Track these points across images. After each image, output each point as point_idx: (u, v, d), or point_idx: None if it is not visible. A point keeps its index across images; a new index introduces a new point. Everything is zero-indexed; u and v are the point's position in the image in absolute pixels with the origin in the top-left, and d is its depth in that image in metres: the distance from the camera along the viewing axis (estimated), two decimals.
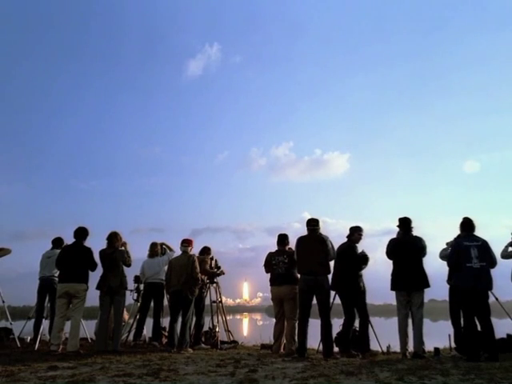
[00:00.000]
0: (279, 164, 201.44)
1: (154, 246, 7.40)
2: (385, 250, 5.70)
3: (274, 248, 6.32)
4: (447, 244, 5.83)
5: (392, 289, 5.58)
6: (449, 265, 5.50)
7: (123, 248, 6.34)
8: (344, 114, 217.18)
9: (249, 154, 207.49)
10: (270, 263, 6.16)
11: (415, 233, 5.66)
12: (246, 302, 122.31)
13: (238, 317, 41.47)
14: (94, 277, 6.18)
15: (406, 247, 5.51)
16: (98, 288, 6.16)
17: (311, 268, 5.56)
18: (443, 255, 5.77)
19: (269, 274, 6.23)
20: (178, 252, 6.84)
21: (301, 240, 5.84)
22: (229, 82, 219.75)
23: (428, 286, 5.46)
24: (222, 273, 7.34)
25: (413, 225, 5.66)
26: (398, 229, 5.73)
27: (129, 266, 6.34)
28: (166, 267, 6.82)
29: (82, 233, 6.14)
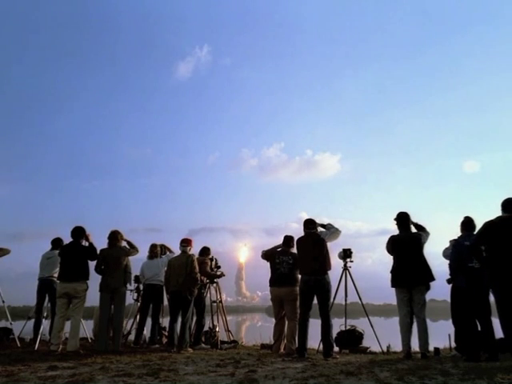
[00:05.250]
0: (270, 165, 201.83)
1: (153, 247, 7.38)
2: (383, 250, 5.68)
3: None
4: (450, 242, 5.80)
5: (392, 285, 5.54)
6: (450, 265, 5.49)
7: (127, 245, 6.39)
8: (336, 115, 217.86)
9: (240, 155, 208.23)
10: (273, 261, 6.16)
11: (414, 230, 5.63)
12: (241, 275, 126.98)
13: (239, 319, 41.41)
14: (95, 277, 6.20)
15: (405, 243, 5.46)
16: (101, 290, 6.17)
17: (311, 268, 5.56)
18: (446, 254, 5.76)
19: (268, 274, 6.23)
20: (177, 253, 6.84)
21: (300, 241, 5.84)
22: (219, 84, 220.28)
23: (433, 279, 5.37)
24: (223, 275, 7.35)
25: (411, 220, 5.58)
26: (394, 229, 5.69)
27: (136, 253, 6.44)
28: (165, 268, 6.81)
29: (79, 232, 6.14)
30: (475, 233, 5.08)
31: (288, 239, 6.24)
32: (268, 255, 6.27)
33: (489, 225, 4.68)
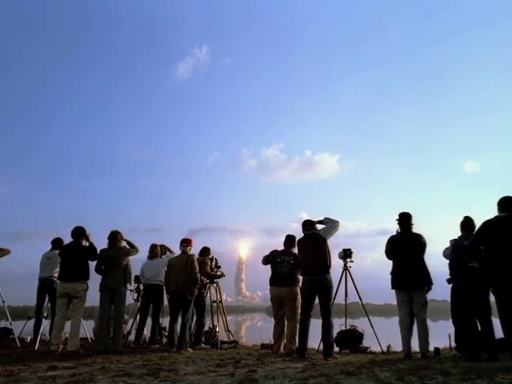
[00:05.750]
0: (270, 165, 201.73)
1: (153, 247, 7.38)
2: (382, 250, 5.65)
3: (272, 247, 6.34)
4: (451, 242, 5.79)
5: (393, 287, 5.53)
6: (450, 265, 5.49)
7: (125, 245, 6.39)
8: (335, 116, 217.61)
9: (239, 155, 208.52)
10: (274, 261, 6.15)
11: (415, 231, 5.62)
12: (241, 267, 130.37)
13: (239, 319, 41.40)
14: (96, 277, 6.20)
15: (406, 244, 5.45)
16: (101, 290, 6.18)
17: (312, 268, 5.55)
18: (447, 254, 5.75)
19: (268, 274, 6.22)
20: (177, 253, 6.84)
21: (300, 242, 5.84)
22: (218, 84, 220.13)
23: (431, 283, 5.39)
24: (223, 275, 7.37)
25: (413, 221, 5.58)
26: (394, 229, 5.69)
27: (136, 252, 6.43)
28: (165, 269, 6.81)
29: (79, 232, 6.14)
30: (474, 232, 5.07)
31: (289, 239, 6.24)
32: (268, 259, 6.26)
33: (487, 224, 4.66)
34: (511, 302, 4.44)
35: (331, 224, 5.80)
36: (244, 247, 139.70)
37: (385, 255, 5.64)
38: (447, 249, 5.81)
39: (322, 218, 5.91)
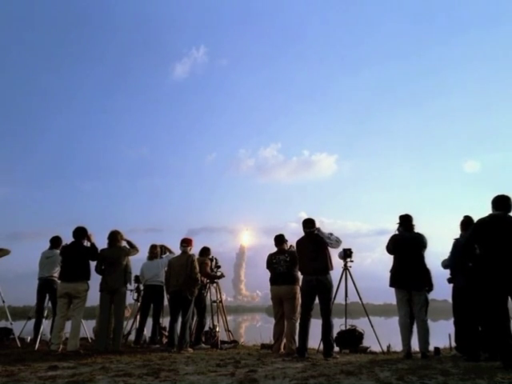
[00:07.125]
0: (267, 165, 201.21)
1: (153, 247, 7.38)
2: (382, 250, 5.67)
3: (272, 247, 6.32)
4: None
5: (391, 285, 5.53)
6: (450, 265, 5.49)
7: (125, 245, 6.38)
8: (333, 116, 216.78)
9: (237, 156, 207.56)
10: (271, 263, 6.15)
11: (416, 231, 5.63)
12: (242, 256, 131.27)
13: (239, 319, 41.38)
14: (96, 277, 6.20)
15: (407, 243, 5.46)
16: (101, 290, 6.18)
17: (313, 267, 5.55)
18: (445, 264, 5.73)
19: (268, 273, 6.22)
20: (177, 253, 6.84)
21: (300, 241, 5.84)
22: (215, 85, 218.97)
23: (431, 286, 5.42)
24: (223, 275, 7.37)
25: (414, 222, 5.60)
26: (394, 228, 5.69)
27: (136, 252, 6.42)
28: (165, 269, 6.81)
29: (81, 232, 6.15)
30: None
31: (279, 238, 6.24)
32: (267, 264, 6.26)
33: (480, 223, 4.65)
34: (503, 301, 4.40)
35: (334, 242, 5.68)
36: (245, 236, 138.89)
37: (386, 250, 5.65)
38: (446, 260, 5.77)
39: (326, 233, 5.76)
